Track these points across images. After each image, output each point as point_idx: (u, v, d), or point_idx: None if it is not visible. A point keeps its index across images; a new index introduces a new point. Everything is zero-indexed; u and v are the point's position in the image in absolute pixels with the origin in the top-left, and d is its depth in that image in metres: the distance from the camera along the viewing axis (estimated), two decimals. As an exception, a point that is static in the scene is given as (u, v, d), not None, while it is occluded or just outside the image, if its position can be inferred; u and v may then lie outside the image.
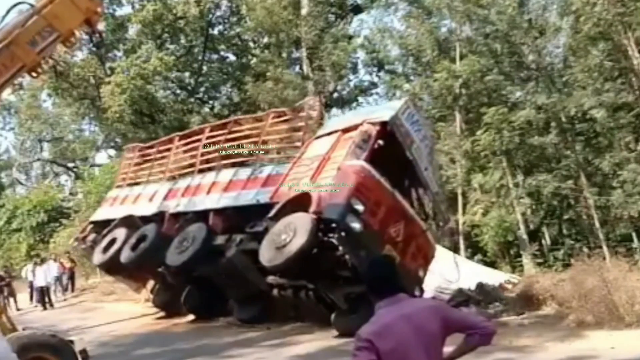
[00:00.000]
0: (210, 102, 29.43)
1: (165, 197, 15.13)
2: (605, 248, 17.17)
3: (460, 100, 21.20)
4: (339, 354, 9.58)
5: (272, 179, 12.47)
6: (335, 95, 25.02)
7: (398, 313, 3.20)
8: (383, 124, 11.08)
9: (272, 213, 11.11)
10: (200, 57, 27.73)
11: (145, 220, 14.75)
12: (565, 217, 20.82)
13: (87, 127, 35.25)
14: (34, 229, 29.82)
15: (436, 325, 3.25)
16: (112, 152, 33.45)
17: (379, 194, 10.81)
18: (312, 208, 10.56)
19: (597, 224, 18.76)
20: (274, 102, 22.94)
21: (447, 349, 3.38)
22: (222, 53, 28.77)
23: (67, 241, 27.83)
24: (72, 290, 23.71)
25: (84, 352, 8.67)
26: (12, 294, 21.36)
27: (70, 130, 36.42)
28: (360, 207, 10.43)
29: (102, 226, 16.24)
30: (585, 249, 17.37)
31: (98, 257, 15.34)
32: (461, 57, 21.00)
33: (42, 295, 21.61)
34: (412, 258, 11.10)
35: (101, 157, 35.81)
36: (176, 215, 14.10)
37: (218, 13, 27.47)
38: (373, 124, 11.07)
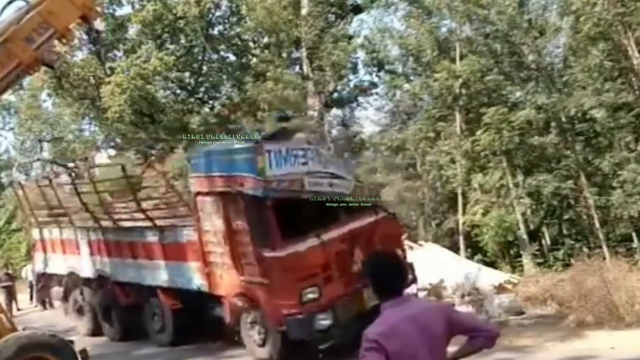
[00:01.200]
0: (210, 102, 29.42)
1: (92, 253, 14.45)
2: (605, 248, 17.21)
3: (460, 100, 21.21)
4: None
5: (183, 248, 11.94)
6: (335, 95, 25.00)
7: (403, 314, 3.19)
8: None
9: (226, 316, 11.04)
10: (200, 57, 27.70)
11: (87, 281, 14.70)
12: (565, 217, 20.83)
13: (87, 127, 35.23)
14: (34, 229, 29.77)
15: (441, 327, 3.26)
16: (112, 152, 33.40)
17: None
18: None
19: (597, 224, 18.77)
20: (274, 102, 22.97)
21: (451, 349, 3.37)
22: (222, 53, 28.75)
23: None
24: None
25: (83, 351, 8.68)
26: (14, 296, 21.38)
27: (70, 130, 36.38)
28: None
29: (45, 278, 16.77)
30: (585, 249, 17.42)
31: (81, 322, 15.04)
32: (461, 57, 21.00)
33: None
34: None
35: (101, 157, 35.72)
36: (122, 284, 13.64)
37: (218, 13, 27.42)
38: (253, 198, 10.30)
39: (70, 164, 18.00)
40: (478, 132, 19.82)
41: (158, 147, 27.98)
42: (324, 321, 9.82)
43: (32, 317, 18.94)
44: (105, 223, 13.84)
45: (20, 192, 17.14)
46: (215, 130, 25.68)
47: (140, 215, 12.94)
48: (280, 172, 10.49)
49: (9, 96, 31.63)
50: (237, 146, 11.04)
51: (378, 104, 26.71)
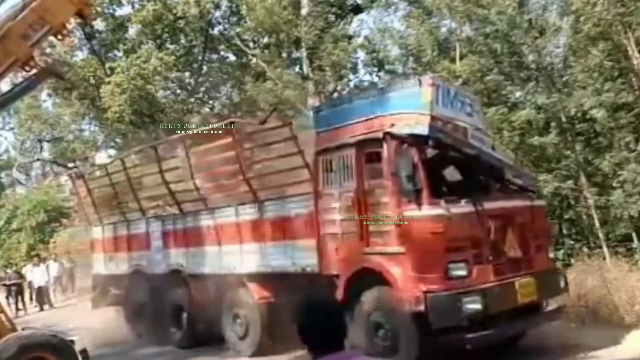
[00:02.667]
0: (210, 102, 29.43)
1: (165, 245, 12.90)
2: (605, 248, 17.18)
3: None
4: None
5: (289, 223, 10.18)
6: (336, 95, 24.99)
7: None
8: (418, 138, 8.55)
9: (339, 295, 8.96)
10: (200, 57, 27.72)
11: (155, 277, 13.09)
12: (565, 217, 20.81)
13: (87, 127, 35.25)
14: (34, 229, 29.83)
15: None
16: (112, 152, 33.42)
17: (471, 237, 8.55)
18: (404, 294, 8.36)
19: (597, 224, 18.76)
20: (274, 102, 22.96)
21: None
22: (222, 53, 28.75)
23: (67, 241, 27.87)
24: (72, 291, 23.75)
25: (84, 352, 8.66)
26: (22, 295, 21.45)
27: (70, 131, 36.39)
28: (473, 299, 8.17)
29: (107, 281, 14.73)
30: (585, 249, 17.39)
31: (141, 327, 13.49)
32: (461, 57, 20.99)
33: (41, 296, 21.65)
34: None
35: (101, 157, 35.75)
36: (199, 277, 11.96)
37: (218, 13, 27.45)
38: (407, 140, 8.53)
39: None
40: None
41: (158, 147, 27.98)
42: (472, 304, 8.07)
43: (32, 317, 18.95)
44: (186, 206, 12.27)
45: (80, 184, 15.41)
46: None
47: (233, 190, 11.30)
48: (445, 113, 8.90)
49: (9, 96, 31.56)
50: (391, 85, 9.70)
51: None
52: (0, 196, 37.18)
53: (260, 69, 24.21)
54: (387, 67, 25.28)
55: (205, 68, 28.15)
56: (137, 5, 26.92)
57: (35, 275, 21.83)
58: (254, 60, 26.16)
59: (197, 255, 11.87)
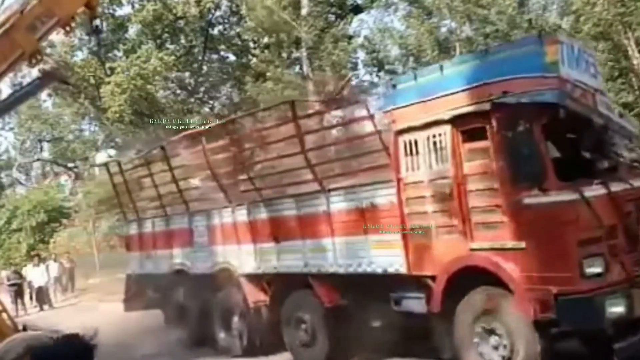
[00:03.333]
0: (210, 102, 29.44)
1: (212, 241, 11.28)
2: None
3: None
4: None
5: (364, 215, 8.60)
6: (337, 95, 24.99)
7: None
8: (546, 107, 6.89)
9: (435, 298, 7.62)
10: (200, 57, 27.73)
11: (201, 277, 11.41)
12: None
13: (87, 127, 35.28)
14: (34, 229, 29.83)
15: None
16: (112, 152, 33.43)
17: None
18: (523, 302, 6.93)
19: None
20: (274, 102, 22.95)
21: None
22: (222, 53, 28.77)
23: (67, 241, 27.90)
24: (72, 291, 23.75)
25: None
26: (22, 295, 21.45)
27: (70, 131, 36.41)
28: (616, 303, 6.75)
29: (143, 281, 13.16)
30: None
31: (183, 332, 11.95)
32: (461, 57, 21.01)
33: (41, 296, 21.66)
34: None
35: (101, 157, 35.78)
36: (253, 277, 10.46)
37: (218, 13, 27.47)
38: (523, 110, 6.90)
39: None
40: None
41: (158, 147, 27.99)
42: (615, 307, 6.69)
43: (32, 317, 18.95)
44: (236, 197, 10.75)
45: (117, 176, 13.74)
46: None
47: (296, 179, 10.01)
48: (572, 76, 7.31)
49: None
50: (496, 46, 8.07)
51: (378, 104, 26.69)
52: (0, 196, 37.17)
53: (260, 69, 24.23)
54: (387, 67, 25.30)
55: (205, 68, 28.18)
56: (137, 5, 26.96)
57: (35, 275, 21.83)
58: (254, 60, 26.18)
59: (251, 252, 10.34)
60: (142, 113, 26.21)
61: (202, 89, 28.87)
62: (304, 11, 23.23)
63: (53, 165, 39.97)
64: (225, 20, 28.01)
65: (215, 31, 27.88)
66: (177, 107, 27.55)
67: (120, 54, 26.90)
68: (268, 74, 23.05)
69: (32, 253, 27.21)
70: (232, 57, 28.82)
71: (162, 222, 12.62)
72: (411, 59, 23.81)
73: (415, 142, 7.85)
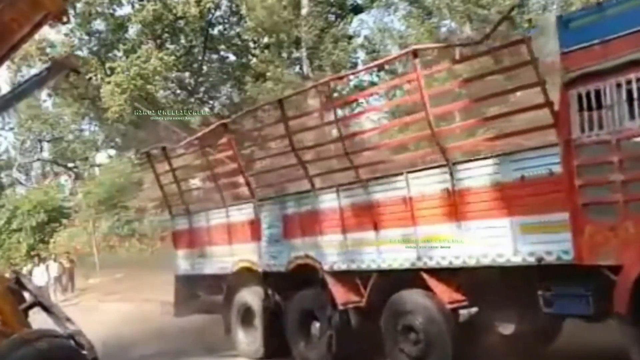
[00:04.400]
0: (210, 102, 29.44)
1: (287, 233, 9.63)
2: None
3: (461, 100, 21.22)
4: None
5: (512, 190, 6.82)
6: (335, 95, 25.02)
7: None
8: None
9: (619, 306, 5.83)
10: (200, 57, 27.73)
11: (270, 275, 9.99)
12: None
13: (87, 127, 35.31)
14: (34, 229, 29.83)
15: None
16: (112, 152, 33.48)
17: None
18: None
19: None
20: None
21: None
22: (222, 53, 28.78)
23: (67, 241, 27.91)
24: (72, 291, 23.76)
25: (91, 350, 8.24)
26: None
27: (70, 131, 36.44)
28: None
29: (196, 283, 11.76)
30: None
31: (248, 340, 10.47)
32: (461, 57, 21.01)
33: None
34: None
35: (101, 157, 35.84)
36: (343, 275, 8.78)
37: (218, 13, 27.47)
38: None
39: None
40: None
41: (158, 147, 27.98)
42: None
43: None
44: (321, 180, 9.24)
45: (161, 165, 12.13)
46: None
47: (406, 151, 8.72)
48: None
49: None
50: None
51: (378, 104, 26.71)
52: (0, 196, 37.17)
53: (260, 69, 24.23)
54: (387, 67, 25.30)
55: (205, 68, 28.17)
56: (137, 5, 26.94)
57: (35, 275, 21.83)
58: (254, 60, 26.19)
59: (340, 244, 8.72)
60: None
61: (202, 89, 28.87)
62: (304, 11, 23.25)
63: (53, 165, 40.00)
64: (225, 20, 28.02)
65: (215, 31, 27.89)
66: (177, 107, 27.57)
67: (120, 54, 26.90)
68: (268, 74, 23.06)
69: (32, 253, 27.24)
70: (232, 57, 28.83)
71: (220, 214, 10.89)
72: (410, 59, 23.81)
73: (597, 92, 6.03)
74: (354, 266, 8.58)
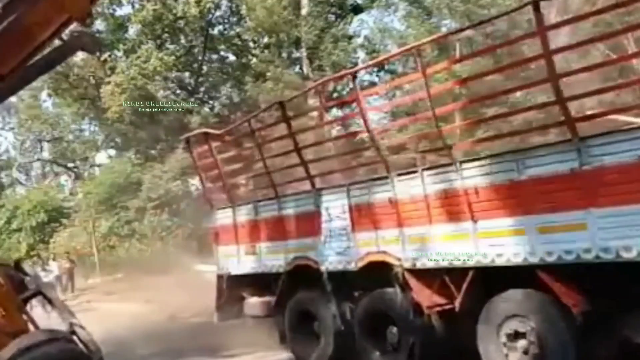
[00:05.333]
0: (210, 102, 29.44)
1: (358, 226, 8.43)
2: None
3: (460, 100, 21.25)
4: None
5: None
6: (335, 95, 25.03)
7: None
8: None
9: None
10: (200, 57, 27.74)
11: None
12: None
13: (87, 127, 35.32)
14: (34, 229, 29.86)
15: None
16: (112, 152, 33.50)
17: None
18: None
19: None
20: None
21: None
22: (222, 53, 28.79)
23: (67, 241, 27.91)
24: (72, 291, 23.75)
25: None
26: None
27: (70, 130, 36.45)
28: None
29: (243, 283, 10.62)
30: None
31: (309, 349, 9.24)
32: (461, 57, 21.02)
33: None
34: None
35: (101, 157, 35.87)
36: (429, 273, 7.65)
37: (218, 13, 27.47)
38: None
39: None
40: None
41: (158, 147, 28.02)
42: None
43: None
44: (394, 165, 8.16)
45: (203, 152, 10.91)
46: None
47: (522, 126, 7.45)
48: None
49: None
50: None
51: (378, 104, 26.73)
52: (0, 196, 37.18)
53: (260, 69, 24.24)
54: (387, 67, 25.31)
55: (205, 68, 28.18)
56: (137, 5, 26.97)
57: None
58: (254, 60, 26.20)
59: (425, 238, 7.60)
60: (142, 113, 26.24)
61: (202, 89, 28.87)
62: (304, 11, 23.26)
63: (53, 165, 40.01)
64: (225, 20, 28.03)
65: (215, 31, 27.89)
66: (177, 107, 27.57)
67: (120, 54, 26.90)
68: (268, 74, 23.07)
69: (32, 253, 27.25)
70: (232, 57, 28.84)
71: (271, 206, 9.77)
72: (411, 59, 23.81)
73: None
74: (443, 263, 7.38)
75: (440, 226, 7.43)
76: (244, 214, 10.41)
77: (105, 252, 26.01)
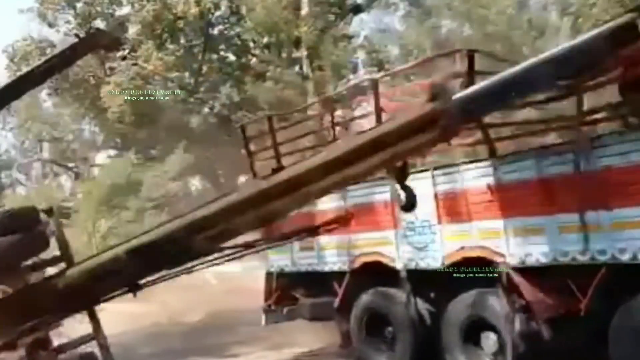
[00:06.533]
0: (210, 102, 29.43)
1: (445, 217, 7.34)
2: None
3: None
4: (343, 354, 9.37)
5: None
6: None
7: None
8: None
9: None
10: (200, 57, 27.73)
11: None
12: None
13: (87, 127, 35.29)
14: (34, 229, 29.78)
15: None
16: (112, 152, 33.48)
17: None
18: None
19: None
20: (274, 102, 22.96)
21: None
22: (221, 53, 28.78)
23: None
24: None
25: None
26: None
27: (70, 131, 36.42)
28: None
29: (295, 282, 9.71)
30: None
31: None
32: (461, 58, 21.03)
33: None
34: None
35: (101, 157, 35.85)
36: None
37: (218, 13, 27.45)
38: None
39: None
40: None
41: (158, 147, 28.03)
42: None
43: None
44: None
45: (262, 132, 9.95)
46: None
47: None
48: None
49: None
50: None
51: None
52: (0, 196, 37.15)
53: (260, 69, 24.23)
54: (387, 67, 25.30)
55: (205, 68, 28.16)
56: (136, 5, 26.94)
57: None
58: (254, 60, 26.19)
59: (539, 230, 6.46)
60: (142, 113, 26.23)
61: (202, 88, 28.86)
62: (303, 11, 23.24)
63: (53, 165, 39.97)
64: (225, 20, 28.00)
65: (215, 31, 27.87)
66: (177, 107, 27.55)
67: (120, 54, 26.89)
68: (268, 73, 23.07)
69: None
70: (232, 57, 28.81)
71: (333, 195, 8.45)
72: (411, 59, 23.82)
73: None
74: (563, 259, 6.29)
75: (559, 216, 6.26)
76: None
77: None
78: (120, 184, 26.21)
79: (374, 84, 8.17)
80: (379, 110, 7.72)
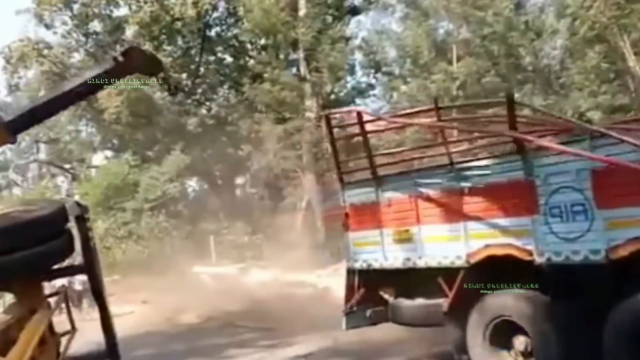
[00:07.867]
0: (207, 103, 29.44)
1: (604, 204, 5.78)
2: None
3: (458, 102, 21.32)
4: (340, 354, 9.52)
5: None
6: (333, 97, 25.06)
7: None
8: None
9: None
10: (197, 59, 27.72)
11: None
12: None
13: (84, 129, 35.25)
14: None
15: None
16: (109, 153, 33.45)
17: None
18: None
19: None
20: (271, 104, 22.99)
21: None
22: (219, 55, 28.78)
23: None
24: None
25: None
26: None
27: (67, 132, 36.36)
28: None
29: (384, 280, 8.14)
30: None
31: None
32: (458, 59, 21.09)
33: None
34: None
35: (98, 159, 35.79)
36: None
37: (215, 14, 27.47)
38: None
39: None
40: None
41: (155, 148, 28.02)
42: None
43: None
44: None
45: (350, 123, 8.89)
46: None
47: None
48: None
49: (5, 97, 31.62)
50: None
51: (375, 106, 26.81)
52: (-3, 197, 37.07)
53: (257, 71, 24.24)
54: (384, 68, 25.39)
55: (202, 69, 28.16)
56: (134, 7, 26.92)
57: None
58: (251, 61, 26.21)
59: None
60: (139, 114, 26.22)
61: (199, 90, 28.86)
62: (301, 13, 23.26)
63: (50, 166, 39.89)
64: (223, 22, 28.02)
65: (213, 33, 27.89)
66: (174, 109, 27.55)
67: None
68: (265, 75, 23.08)
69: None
70: (229, 59, 28.83)
71: (442, 176, 7.30)
72: (408, 60, 23.88)
73: None
74: None
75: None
76: (393, 189, 7.85)
77: (102, 254, 25.96)
78: (117, 185, 26.20)
79: None
80: None
